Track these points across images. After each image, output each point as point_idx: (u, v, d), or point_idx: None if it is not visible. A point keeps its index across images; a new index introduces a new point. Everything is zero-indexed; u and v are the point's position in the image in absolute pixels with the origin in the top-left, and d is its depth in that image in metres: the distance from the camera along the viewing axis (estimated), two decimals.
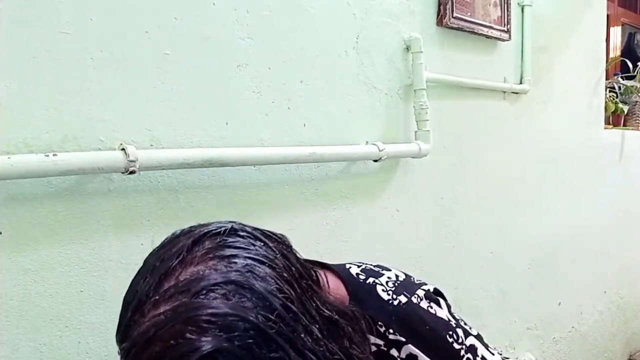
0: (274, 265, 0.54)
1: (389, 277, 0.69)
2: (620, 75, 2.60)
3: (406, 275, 0.71)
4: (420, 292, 0.68)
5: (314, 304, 0.56)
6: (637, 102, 2.59)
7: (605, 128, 2.38)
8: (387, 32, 1.35)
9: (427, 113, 1.36)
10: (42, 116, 0.82)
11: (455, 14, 1.49)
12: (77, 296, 0.87)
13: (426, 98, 1.37)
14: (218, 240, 0.55)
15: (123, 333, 0.53)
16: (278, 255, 0.56)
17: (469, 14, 1.54)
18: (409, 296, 0.67)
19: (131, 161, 0.85)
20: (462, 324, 0.69)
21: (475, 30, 1.57)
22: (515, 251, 1.87)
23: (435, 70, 1.46)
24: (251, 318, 0.49)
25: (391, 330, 0.65)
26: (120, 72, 0.89)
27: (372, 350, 0.64)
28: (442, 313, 0.67)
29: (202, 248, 0.54)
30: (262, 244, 0.56)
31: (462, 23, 1.52)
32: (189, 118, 0.99)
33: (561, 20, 2.03)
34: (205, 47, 1.00)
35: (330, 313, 0.57)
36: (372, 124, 1.33)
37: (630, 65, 2.61)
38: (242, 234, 0.56)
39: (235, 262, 0.52)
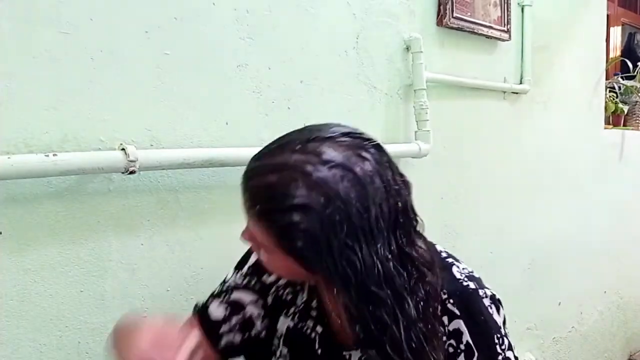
0: (394, 194, 0.62)
1: (465, 267, 0.74)
2: (620, 75, 2.60)
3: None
4: (488, 291, 0.72)
5: (401, 233, 0.63)
6: (637, 102, 2.59)
7: (605, 128, 2.38)
8: (387, 32, 1.35)
9: (427, 113, 1.36)
10: (42, 116, 0.82)
11: (455, 14, 1.49)
12: (77, 296, 0.87)
13: (426, 98, 1.37)
14: (363, 143, 0.63)
15: (256, 159, 0.65)
16: (400, 192, 0.63)
17: (469, 13, 1.54)
18: (476, 287, 0.71)
19: (131, 161, 0.85)
20: (509, 338, 0.72)
21: (475, 30, 1.57)
22: (515, 251, 1.87)
23: (435, 70, 1.46)
24: (351, 204, 0.58)
25: (451, 301, 0.69)
26: (120, 72, 0.89)
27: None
28: (498, 318, 0.71)
29: (347, 138, 0.63)
30: (392, 173, 0.63)
31: (462, 23, 1.51)
32: (189, 118, 0.99)
33: (561, 20, 2.03)
34: (205, 47, 1.00)
35: (410, 252, 0.64)
36: (372, 124, 1.33)
37: (630, 65, 2.60)
38: (381, 152, 0.64)
39: (366, 163, 0.61)
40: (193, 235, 1.01)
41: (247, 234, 0.71)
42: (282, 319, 0.82)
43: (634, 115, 2.62)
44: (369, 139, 0.64)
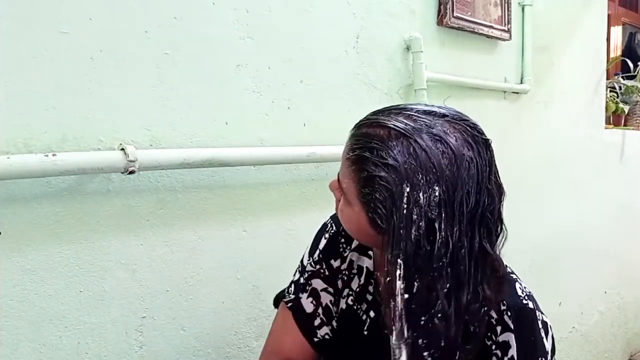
0: (485, 191, 0.64)
1: (526, 286, 0.77)
2: (621, 75, 2.60)
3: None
4: (543, 317, 0.73)
5: (484, 232, 0.65)
6: (637, 102, 2.59)
7: (606, 128, 2.38)
8: (388, 31, 1.35)
9: None
10: (42, 116, 0.82)
11: (455, 14, 1.49)
12: (77, 296, 0.87)
13: (427, 98, 1.37)
14: (474, 133, 0.66)
15: (373, 113, 0.69)
16: (491, 192, 0.66)
17: (469, 13, 1.53)
18: (534, 308, 0.73)
19: (131, 161, 0.85)
20: None
21: (476, 30, 1.56)
22: (515, 251, 1.85)
23: (436, 70, 1.46)
24: (440, 180, 0.61)
25: (509, 314, 0.71)
26: (120, 72, 0.89)
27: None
28: (547, 344, 0.72)
29: (462, 124, 0.66)
30: (489, 172, 0.67)
31: (462, 23, 1.51)
32: (189, 118, 0.99)
33: (562, 20, 2.02)
34: (205, 47, 1.00)
35: (488, 252, 0.65)
36: None
37: (631, 65, 2.60)
38: (487, 149, 0.68)
39: (470, 151, 0.64)
40: (192, 235, 1.01)
41: (333, 183, 0.74)
42: (341, 299, 0.85)
43: (635, 115, 2.61)
44: (481, 133, 0.68)
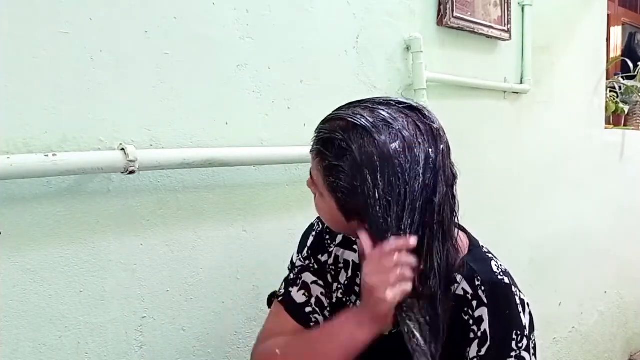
0: (438, 173, 0.70)
1: (504, 266, 0.79)
2: (620, 75, 2.60)
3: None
4: (520, 294, 0.76)
5: (438, 210, 0.71)
6: (637, 102, 2.59)
7: (605, 128, 2.38)
8: (388, 31, 1.35)
9: None
10: (42, 116, 0.82)
11: (455, 14, 1.49)
12: (77, 296, 0.87)
13: (426, 98, 1.37)
14: (425, 120, 0.71)
15: (335, 109, 0.75)
16: (446, 175, 0.73)
17: (469, 13, 1.53)
18: (510, 283, 0.76)
19: (131, 161, 0.85)
20: (532, 342, 0.75)
21: (476, 30, 1.56)
22: (515, 251, 1.86)
23: (436, 70, 1.46)
24: (395, 163, 0.66)
25: (483, 288, 0.74)
26: (119, 72, 0.89)
27: (459, 293, 0.75)
28: (524, 319, 0.74)
29: (414, 113, 0.71)
30: (445, 148, 0.72)
31: (462, 23, 1.51)
32: (189, 118, 0.99)
33: (562, 20, 2.02)
34: (205, 47, 1.00)
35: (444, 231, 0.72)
36: None
37: (631, 65, 2.60)
38: (436, 135, 0.71)
39: (421, 135, 0.69)
40: (192, 235, 1.01)
41: (308, 180, 0.79)
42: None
43: (635, 115, 2.61)
44: (433, 122, 0.71)
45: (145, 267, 0.95)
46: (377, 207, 0.67)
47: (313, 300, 0.86)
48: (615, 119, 2.54)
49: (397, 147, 0.67)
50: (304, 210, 1.19)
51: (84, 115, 0.86)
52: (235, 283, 1.08)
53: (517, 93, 1.80)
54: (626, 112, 2.56)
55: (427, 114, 0.72)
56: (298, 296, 0.86)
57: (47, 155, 0.77)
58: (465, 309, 0.74)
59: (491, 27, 1.62)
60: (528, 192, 1.90)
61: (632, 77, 2.58)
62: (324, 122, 0.75)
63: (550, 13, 1.94)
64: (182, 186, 0.99)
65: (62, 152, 0.81)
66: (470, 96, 1.62)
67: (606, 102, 2.38)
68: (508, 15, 1.69)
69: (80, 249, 0.87)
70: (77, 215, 0.86)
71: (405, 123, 0.69)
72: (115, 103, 0.89)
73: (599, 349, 2.42)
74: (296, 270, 0.88)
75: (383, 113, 0.69)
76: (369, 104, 0.71)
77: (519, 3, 1.78)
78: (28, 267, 0.82)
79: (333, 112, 0.75)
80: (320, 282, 0.87)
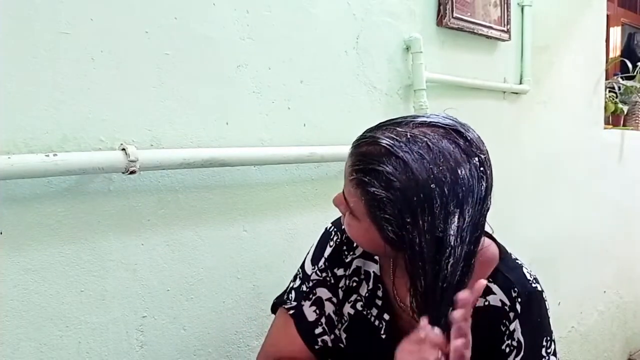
0: (478, 211, 0.71)
1: (530, 269, 0.80)
2: (620, 75, 2.60)
3: None
4: (544, 295, 0.77)
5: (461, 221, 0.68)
6: (636, 102, 2.59)
7: (605, 128, 2.38)
8: (387, 32, 1.35)
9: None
10: (42, 116, 0.82)
11: (455, 14, 1.49)
12: (78, 296, 0.87)
13: (426, 98, 1.37)
14: (472, 149, 0.71)
15: (370, 129, 0.71)
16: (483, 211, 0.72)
17: (469, 14, 1.54)
18: (542, 289, 0.77)
19: (131, 161, 0.85)
20: (555, 344, 0.77)
21: (475, 30, 1.57)
22: (514, 251, 1.86)
23: (435, 70, 1.46)
24: (439, 195, 0.64)
25: (519, 300, 0.74)
26: (120, 72, 0.90)
27: (495, 305, 0.74)
28: (551, 324, 0.77)
29: (461, 140, 0.70)
30: (486, 177, 0.74)
31: (462, 23, 1.52)
32: (189, 118, 0.99)
33: (561, 20, 2.03)
34: (205, 47, 1.01)
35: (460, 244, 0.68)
36: (372, 124, 1.32)
37: (630, 66, 2.60)
38: (483, 164, 0.73)
39: (466, 166, 0.69)
40: (193, 235, 1.01)
41: (337, 198, 0.75)
42: (345, 306, 0.85)
43: (634, 116, 2.62)
44: (480, 150, 0.71)
45: (146, 267, 0.95)
46: (423, 242, 0.65)
47: (324, 320, 0.84)
48: (614, 119, 2.54)
49: (443, 177, 0.65)
50: (304, 210, 1.19)
51: (84, 115, 0.86)
52: (236, 283, 1.08)
53: (516, 93, 1.80)
54: (625, 112, 2.57)
55: (470, 138, 0.71)
56: (309, 312, 0.83)
57: (47, 155, 0.78)
58: (504, 321, 0.73)
59: (491, 27, 1.62)
60: (527, 191, 1.90)
61: (631, 78, 2.58)
62: (361, 144, 0.70)
63: (550, 13, 1.94)
64: (182, 186, 0.99)
65: (62, 152, 0.81)
66: (470, 96, 1.62)
67: (605, 102, 2.38)
68: (507, 16, 1.69)
69: (81, 249, 0.87)
70: (78, 215, 0.87)
71: (452, 153, 0.67)
72: (116, 103, 0.89)
73: (598, 348, 2.42)
74: (310, 283, 0.85)
75: (426, 137, 0.66)
76: (409, 129, 0.68)
77: (518, 3, 1.78)
78: (29, 266, 0.82)
79: (367, 133, 0.71)
80: (334, 300, 0.84)
